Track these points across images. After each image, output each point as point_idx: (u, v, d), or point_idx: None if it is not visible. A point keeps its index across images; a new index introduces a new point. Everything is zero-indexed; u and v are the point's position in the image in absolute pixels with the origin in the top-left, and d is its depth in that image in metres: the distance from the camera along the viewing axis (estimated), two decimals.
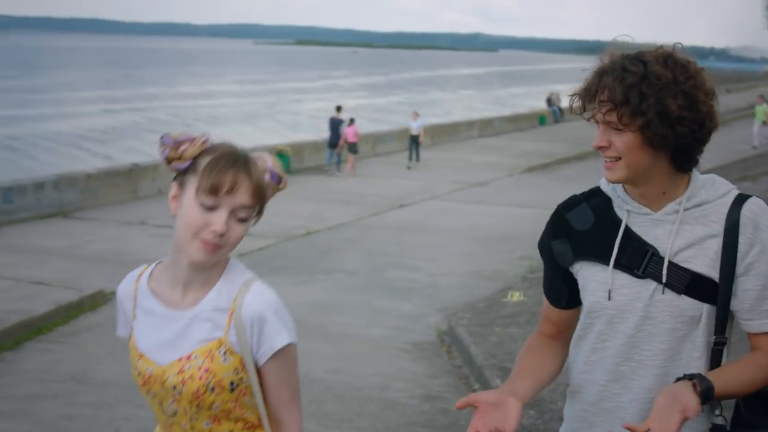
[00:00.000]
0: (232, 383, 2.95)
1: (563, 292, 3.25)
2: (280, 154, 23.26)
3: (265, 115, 53.61)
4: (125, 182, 19.08)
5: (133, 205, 18.31)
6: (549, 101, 45.23)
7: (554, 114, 43.48)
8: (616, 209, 3.15)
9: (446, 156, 29.61)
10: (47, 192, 16.93)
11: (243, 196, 2.80)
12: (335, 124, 26.50)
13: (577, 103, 3.07)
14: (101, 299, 10.75)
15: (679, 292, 3.03)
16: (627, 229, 3.09)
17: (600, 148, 3.02)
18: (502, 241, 15.20)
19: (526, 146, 32.56)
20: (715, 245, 3.04)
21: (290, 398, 3.08)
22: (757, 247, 3.01)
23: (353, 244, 15.02)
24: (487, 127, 37.17)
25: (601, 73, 2.99)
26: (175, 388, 2.95)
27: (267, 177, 2.91)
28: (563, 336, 3.34)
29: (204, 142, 2.86)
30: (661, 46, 3.02)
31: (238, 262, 3.01)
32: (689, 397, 2.90)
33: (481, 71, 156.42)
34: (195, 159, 2.84)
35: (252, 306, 2.92)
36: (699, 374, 2.96)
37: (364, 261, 13.72)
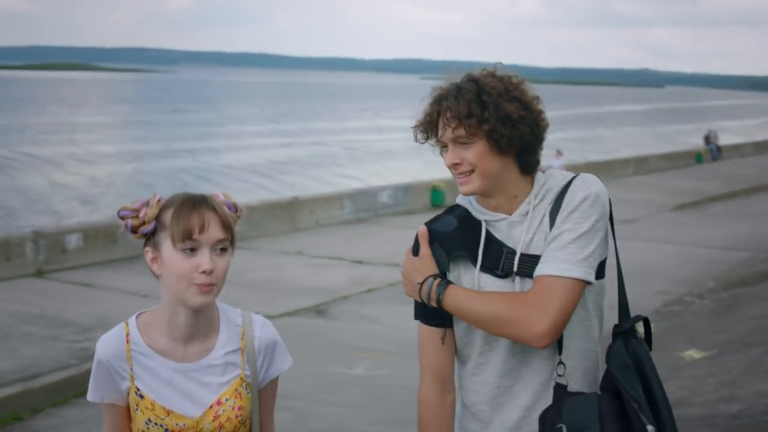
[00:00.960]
0: (250, 412, 3.16)
1: (439, 310, 3.30)
2: (435, 189, 23.91)
3: (431, 150, 53.98)
4: (286, 214, 19.99)
5: (292, 236, 19.18)
6: (707, 139, 44.51)
7: (711, 152, 42.82)
8: (476, 217, 3.34)
9: None
10: None
11: (215, 231, 2.92)
12: None
13: (420, 134, 3.34)
14: None
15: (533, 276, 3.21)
16: (488, 234, 3.29)
17: (453, 165, 3.24)
18: (642, 275, 15.47)
19: (679, 184, 32.45)
20: (547, 222, 3.25)
21: (273, 408, 3.30)
22: (565, 211, 3.20)
23: None
24: (642, 165, 37.05)
25: (439, 100, 3.24)
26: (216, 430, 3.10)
27: (226, 209, 3.01)
28: (452, 373, 3.44)
29: (159, 200, 2.99)
30: (484, 69, 3.27)
31: (221, 303, 3.13)
32: (419, 276, 3.25)
33: (646, 108, 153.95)
34: (158, 218, 2.98)
35: (264, 338, 3.14)
36: (445, 281, 3.23)
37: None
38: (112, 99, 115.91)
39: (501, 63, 3.28)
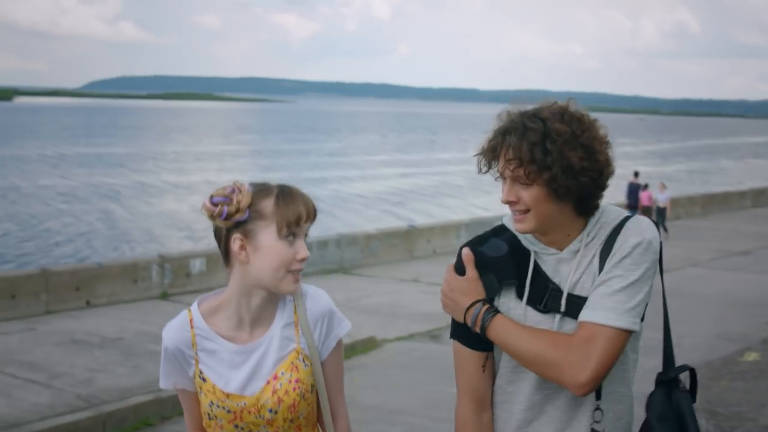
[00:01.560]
0: (312, 386, 3.15)
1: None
2: None
3: None
4: (403, 242, 20.28)
5: (409, 263, 19.43)
6: None
7: None
8: (526, 246, 3.26)
9: (714, 225, 29.60)
10: (330, 250, 18.34)
11: (312, 219, 3.05)
12: (633, 189, 27.62)
13: (482, 163, 3.22)
14: (372, 344, 11.99)
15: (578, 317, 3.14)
16: (536, 267, 3.21)
17: (509, 202, 3.16)
18: (754, 307, 15.47)
19: None
20: (596, 264, 3.18)
21: (342, 385, 3.28)
22: (616, 255, 3.12)
23: None
24: (760, 197, 36.55)
25: (503, 133, 3.13)
26: (271, 410, 3.10)
27: None
28: (489, 394, 3.34)
29: (249, 190, 3.02)
30: (556, 101, 3.17)
31: None
32: (465, 299, 3.15)
33: None
34: (251, 207, 3.00)
35: (316, 308, 3.15)
36: (493, 309, 3.14)
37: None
38: (236, 128, 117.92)
39: (574, 99, 3.18)
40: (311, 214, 3.03)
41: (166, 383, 3.18)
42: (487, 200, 37.20)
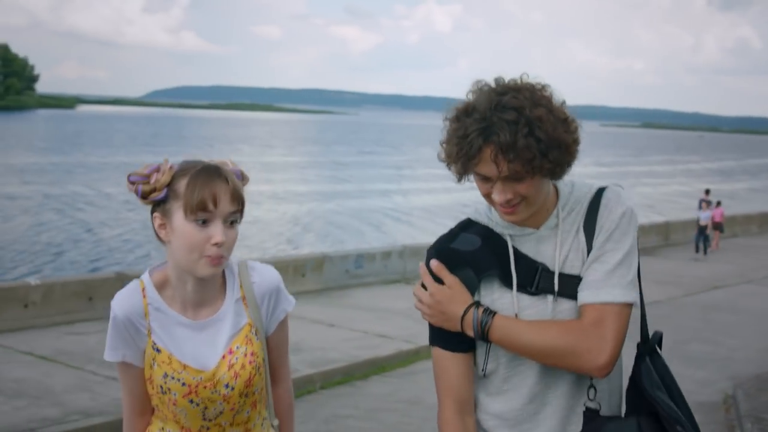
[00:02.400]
0: (264, 360, 3.11)
1: (460, 334, 3.11)
2: None
3: None
4: None
5: None
6: None
7: None
8: (499, 233, 3.14)
9: None
10: (393, 260, 18.74)
11: (228, 204, 2.86)
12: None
13: (457, 170, 3.03)
14: None
15: (573, 298, 3.07)
16: (515, 251, 3.09)
17: (507, 201, 2.98)
18: None
19: None
20: (582, 239, 3.09)
21: (286, 354, 3.26)
22: (605, 229, 3.04)
23: (663, 319, 15.73)
24: None
25: (482, 133, 2.91)
26: (227, 385, 3.01)
27: (237, 180, 2.96)
28: (471, 396, 3.21)
29: (171, 167, 2.92)
30: (508, 83, 3.00)
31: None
32: (457, 307, 3.01)
33: None
34: (169, 186, 2.90)
35: (263, 283, 3.10)
36: (488, 310, 3.01)
37: (671, 334, 14.51)
38: (298, 139, 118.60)
39: (526, 74, 3.07)
40: (224, 198, 2.87)
41: (113, 355, 3.02)
42: None
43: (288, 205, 41.29)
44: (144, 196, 2.91)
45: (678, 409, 3.06)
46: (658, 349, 3.22)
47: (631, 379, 3.18)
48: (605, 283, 3.01)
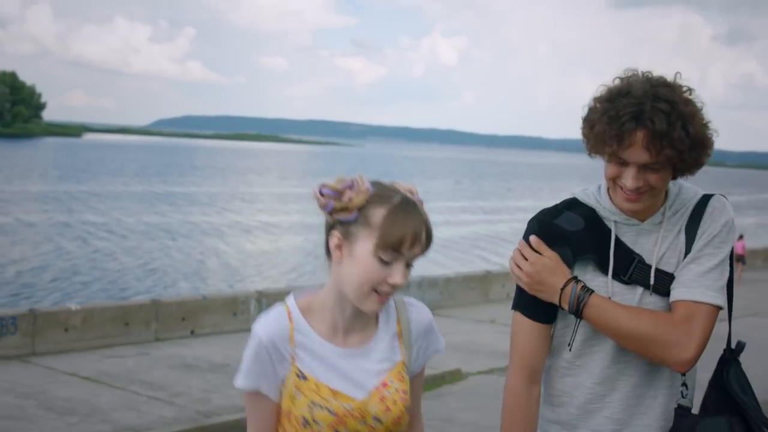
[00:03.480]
0: (408, 404, 2.91)
1: (548, 305, 3.19)
2: None
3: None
4: (479, 286, 21.23)
5: (485, 306, 20.30)
6: None
7: None
8: (603, 218, 3.21)
9: None
10: (412, 291, 19.07)
11: (420, 247, 2.71)
12: None
13: (595, 147, 3.09)
14: (458, 376, 13.13)
15: (665, 294, 3.15)
16: (617, 239, 3.17)
17: (637, 188, 3.03)
18: None
19: None
20: (683, 240, 3.17)
21: (420, 400, 3.08)
22: (706, 234, 3.13)
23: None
24: None
25: (639, 115, 2.95)
26: (377, 418, 2.83)
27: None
28: (542, 367, 3.29)
29: (367, 189, 2.73)
30: (662, 77, 3.06)
31: None
32: (556, 279, 3.11)
33: None
34: (361, 209, 2.71)
35: (419, 321, 2.95)
36: (587, 287, 3.10)
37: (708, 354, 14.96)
38: (309, 171, 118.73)
39: (679, 73, 3.13)
40: (419, 242, 2.70)
41: (247, 384, 2.77)
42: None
43: (306, 234, 41.83)
44: (333, 213, 2.73)
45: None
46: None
47: (715, 381, 3.25)
48: (699, 284, 3.09)
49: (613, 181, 3.09)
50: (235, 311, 15.01)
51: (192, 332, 14.36)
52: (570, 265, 3.16)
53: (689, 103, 3.00)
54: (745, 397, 3.18)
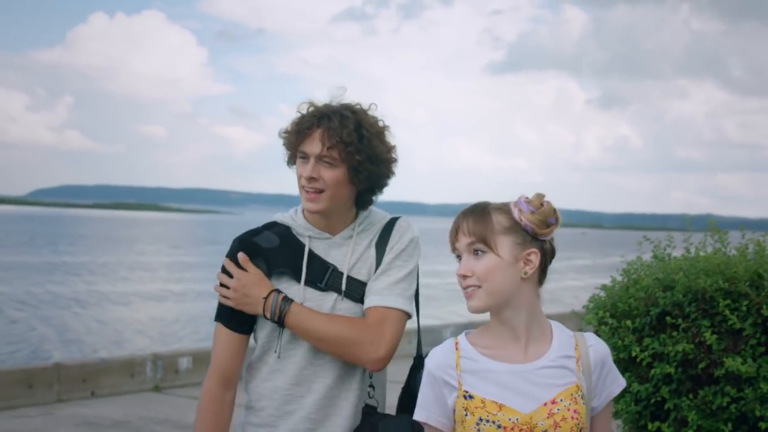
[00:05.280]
0: (583, 429, 2.92)
1: (247, 317, 3.47)
2: None
3: None
4: None
5: None
6: None
7: None
8: (297, 235, 3.49)
9: None
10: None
11: None
12: None
13: (287, 138, 3.44)
14: None
15: (356, 300, 3.45)
16: (310, 251, 3.43)
17: (309, 179, 3.36)
18: None
19: None
20: (373, 253, 3.48)
21: None
22: (395, 249, 3.48)
23: None
24: None
25: (319, 117, 3.34)
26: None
27: None
28: (237, 375, 3.55)
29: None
30: (359, 104, 3.47)
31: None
32: (260, 291, 3.40)
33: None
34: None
35: (598, 351, 3.00)
36: (287, 297, 3.39)
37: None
38: (197, 239, 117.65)
39: (375, 104, 3.50)
40: None
41: (422, 415, 3.00)
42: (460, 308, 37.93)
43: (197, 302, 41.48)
44: (534, 235, 2.98)
45: None
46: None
47: (407, 385, 3.55)
48: (390, 292, 3.42)
49: (300, 183, 3.48)
50: (132, 373, 15.70)
51: (92, 393, 14.98)
52: (268, 278, 3.46)
53: (374, 122, 3.46)
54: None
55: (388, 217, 3.60)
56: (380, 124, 3.48)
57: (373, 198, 3.56)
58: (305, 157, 3.39)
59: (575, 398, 2.90)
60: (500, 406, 2.87)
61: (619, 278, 6.55)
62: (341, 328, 3.35)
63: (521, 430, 2.83)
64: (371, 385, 3.50)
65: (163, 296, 43.73)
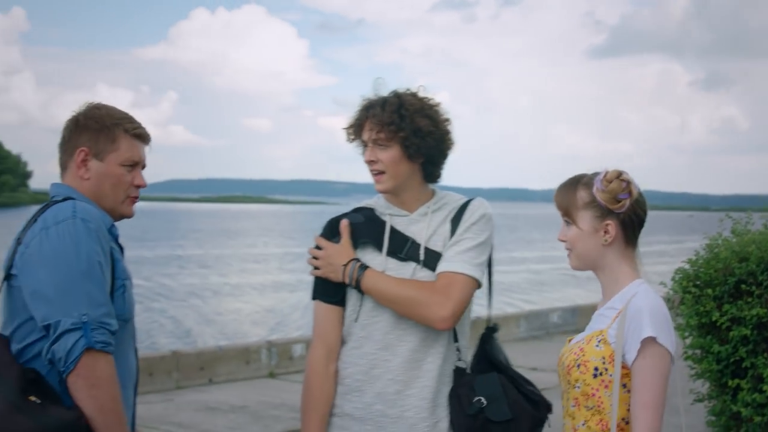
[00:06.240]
0: (596, 369, 3.23)
1: (338, 288, 3.74)
2: None
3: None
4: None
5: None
6: None
7: None
8: (380, 215, 3.80)
9: None
10: None
11: None
12: None
13: (349, 133, 3.76)
14: None
15: (433, 269, 3.68)
16: (391, 226, 3.72)
17: (370, 162, 3.68)
18: None
19: None
20: (448, 228, 3.74)
21: (648, 402, 3.13)
22: (466, 222, 3.74)
23: None
24: None
25: (367, 107, 3.69)
26: (563, 364, 3.39)
27: None
28: (338, 346, 3.81)
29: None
30: (408, 89, 3.75)
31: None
32: (341, 259, 3.71)
33: None
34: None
35: (636, 303, 3.22)
36: (364, 265, 3.71)
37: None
38: (306, 230, 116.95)
39: (424, 86, 3.80)
40: None
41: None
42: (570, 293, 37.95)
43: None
44: (619, 207, 3.36)
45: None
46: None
47: (479, 352, 3.83)
48: (458, 259, 3.65)
49: (369, 166, 3.81)
50: (248, 360, 16.06)
51: (210, 380, 15.41)
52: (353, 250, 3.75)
53: (417, 101, 3.72)
54: (504, 360, 3.78)
55: (464, 198, 3.84)
56: (427, 102, 3.72)
57: (439, 170, 3.83)
58: (365, 144, 3.74)
59: (589, 341, 3.29)
60: (568, 340, 3.51)
61: (702, 252, 7.32)
62: (410, 290, 3.59)
63: (559, 362, 3.44)
64: (458, 349, 3.72)
65: (277, 286, 44.31)
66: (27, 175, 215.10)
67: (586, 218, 3.35)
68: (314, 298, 3.84)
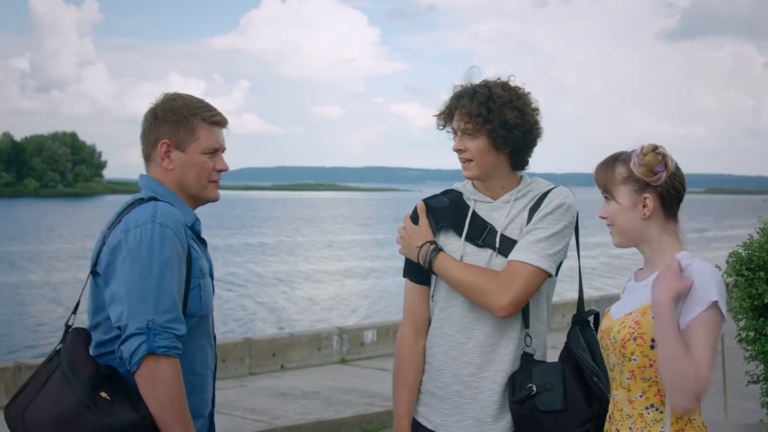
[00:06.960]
0: (653, 341, 3.20)
1: (422, 268, 3.80)
2: None
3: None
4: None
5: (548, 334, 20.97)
6: None
7: None
8: (466, 200, 3.83)
9: None
10: None
11: None
12: None
13: (439, 121, 3.83)
14: None
15: (507, 256, 3.70)
16: (473, 212, 3.77)
17: (458, 150, 3.73)
18: None
19: None
20: (526, 216, 3.76)
21: (698, 344, 3.12)
22: (542, 212, 3.77)
23: None
24: None
25: (458, 96, 3.73)
26: (614, 338, 3.32)
27: None
28: (426, 323, 3.90)
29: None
30: (500, 78, 3.76)
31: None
32: (419, 241, 3.80)
33: None
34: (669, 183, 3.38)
35: (702, 269, 3.24)
36: (438, 248, 3.77)
37: None
38: (382, 217, 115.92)
39: (514, 76, 3.81)
40: None
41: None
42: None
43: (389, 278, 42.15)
44: (656, 180, 3.39)
45: (598, 368, 3.65)
46: (591, 324, 3.86)
47: (567, 339, 3.82)
48: (528, 249, 3.68)
49: (457, 154, 3.86)
50: (320, 346, 16.21)
51: (282, 366, 15.58)
52: (433, 230, 3.84)
53: (506, 92, 3.75)
54: (580, 352, 3.70)
55: (549, 187, 3.87)
56: (516, 92, 3.78)
57: (526, 159, 3.88)
58: (454, 132, 3.79)
59: (645, 312, 3.26)
60: (606, 313, 3.46)
61: (756, 236, 7.40)
62: (474, 277, 3.66)
63: (605, 335, 3.40)
64: (528, 335, 3.75)
65: (359, 273, 44.78)
66: (101, 165, 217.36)
67: (624, 193, 3.39)
68: (404, 275, 3.97)
